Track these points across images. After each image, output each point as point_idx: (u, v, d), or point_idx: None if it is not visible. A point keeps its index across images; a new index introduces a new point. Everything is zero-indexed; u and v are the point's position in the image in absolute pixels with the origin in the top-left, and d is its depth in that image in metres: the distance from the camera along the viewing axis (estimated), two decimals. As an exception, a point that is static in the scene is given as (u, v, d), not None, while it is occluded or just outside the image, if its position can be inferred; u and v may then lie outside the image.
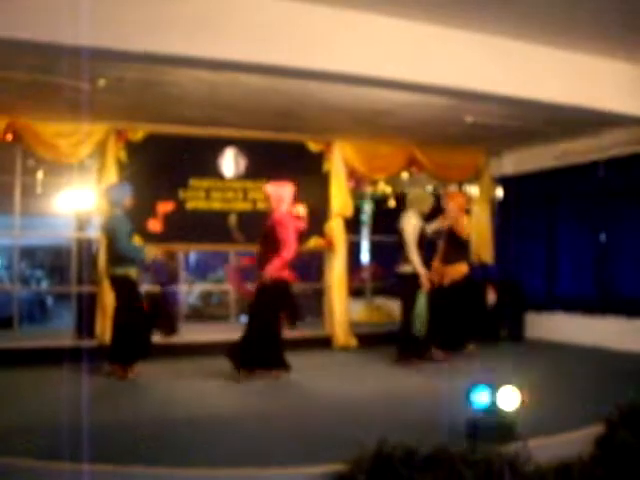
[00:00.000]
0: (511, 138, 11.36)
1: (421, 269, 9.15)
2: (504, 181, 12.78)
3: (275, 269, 7.96)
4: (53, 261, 19.67)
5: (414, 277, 9.13)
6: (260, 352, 8.11)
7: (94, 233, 10.46)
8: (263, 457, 4.94)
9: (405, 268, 9.23)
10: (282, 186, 8.44)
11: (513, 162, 12.66)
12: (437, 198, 10.72)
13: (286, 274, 8.15)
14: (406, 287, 9.29)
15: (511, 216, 12.45)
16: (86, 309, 10.34)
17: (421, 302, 9.21)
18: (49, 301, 16.92)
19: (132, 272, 8.20)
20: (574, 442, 5.28)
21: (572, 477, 4.47)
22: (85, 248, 10.81)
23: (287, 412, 6.63)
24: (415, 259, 9.12)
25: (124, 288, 8.23)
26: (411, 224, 9.27)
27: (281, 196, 8.30)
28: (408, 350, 9.24)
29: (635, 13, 5.86)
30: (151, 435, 5.69)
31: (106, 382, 8.02)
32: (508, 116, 9.44)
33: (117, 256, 8.19)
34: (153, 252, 8.83)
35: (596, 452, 5.12)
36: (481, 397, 5.23)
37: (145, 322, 8.47)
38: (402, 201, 12.58)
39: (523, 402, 5.26)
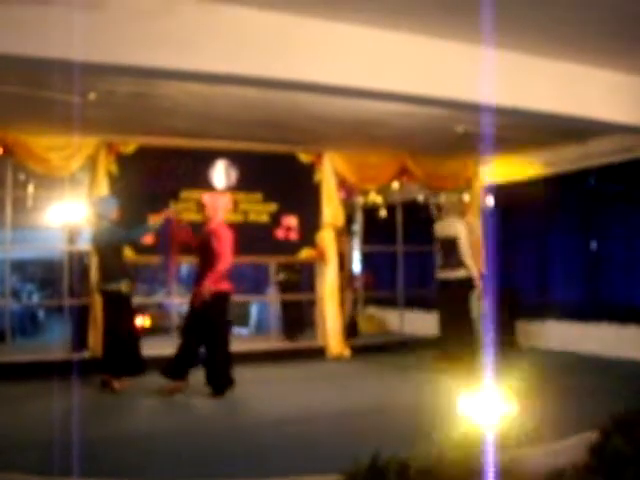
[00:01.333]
0: (502, 146, 11.38)
1: (477, 273, 9.42)
2: (495, 189, 12.81)
3: (212, 283, 7.83)
4: (44, 274, 19.63)
5: (468, 281, 9.32)
6: (207, 368, 8.00)
7: (85, 246, 10.43)
8: (259, 468, 4.94)
9: (457, 274, 9.38)
10: (218, 196, 8.48)
11: (503, 170, 12.70)
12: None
13: (224, 286, 8.00)
14: (459, 292, 9.43)
15: (502, 224, 12.49)
16: (79, 322, 10.34)
17: (477, 305, 9.40)
18: (40, 314, 16.87)
19: (124, 287, 8.20)
20: (568, 450, 5.29)
21: (566, 485, 4.48)
22: (76, 261, 10.79)
23: (280, 423, 6.62)
24: (471, 263, 9.34)
25: (116, 303, 8.22)
26: (463, 229, 9.49)
27: (217, 206, 8.22)
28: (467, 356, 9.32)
29: (621, 22, 5.90)
30: (142, 449, 5.69)
31: (98, 395, 8.00)
32: (499, 125, 9.46)
33: (108, 270, 8.20)
34: (156, 220, 8.71)
35: (590, 460, 5.13)
36: (473, 406, 5.23)
37: (136, 338, 8.44)
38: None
39: (516, 410, 5.27)
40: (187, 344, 8.07)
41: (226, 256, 7.90)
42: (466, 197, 12.65)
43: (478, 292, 9.51)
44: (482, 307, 9.63)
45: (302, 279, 12.39)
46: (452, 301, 9.57)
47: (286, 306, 12.67)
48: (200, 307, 7.91)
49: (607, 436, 5.17)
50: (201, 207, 8.40)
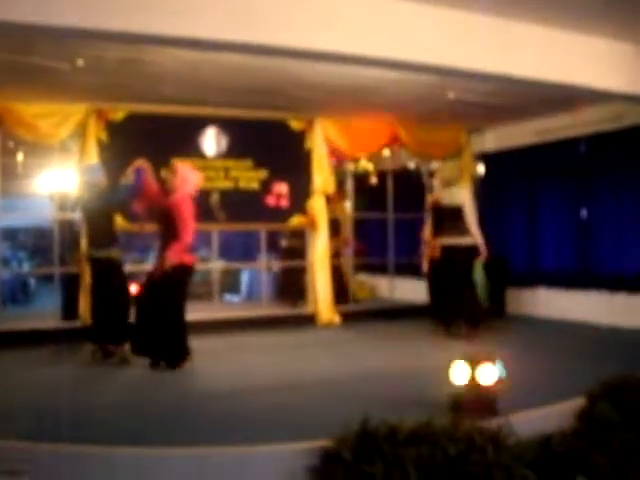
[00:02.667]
0: (492, 115, 11.37)
1: (482, 240, 9.56)
2: (486, 158, 12.81)
3: (175, 254, 7.61)
4: (35, 242, 19.57)
5: (474, 249, 9.48)
6: (160, 339, 7.69)
7: (76, 214, 10.39)
8: (249, 434, 4.97)
9: (464, 240, 9.47)
10: (192, 170, 8.18)
11: (494, 139, 12.69)
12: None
13: (187, 258, 7.76)
14: (465, 259, 9.52)
15: (493, 192, 12.50)
16: (69, 290, 10.34)
17: (480, 272, 9.61)
18: (32, 283, 16.85)
19: (114, 253, 8.16)
20: (555, 416, 5.34)
21: (553, 450, 4.53)
22: (67, 229, 10.77)
23: (270, 390, 6.65)
24: (477, 231, 9.51)
25: (106, 271, 8.18)
26: (469, 197, 9.58)
27: (187, 178, 7.95)
28: (478, 321, 9.45)
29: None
30: (134, 415, 5.73)
31: (89, 364, 7.99)
32: (489, 93, 9.45)
33: (98, 238, 8.14)
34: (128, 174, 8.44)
35: (577, 425, 5.19)
36: (463, 373, 5.28)
37: (126, 306, 8.37)
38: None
39: (505, 377, 5.32)
40: (141, 315, 7.85)
41: (189, 228, 7.66)
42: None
43: (482, 259, 9.57)
44: (484, 275, 9.68)
45: (306, 245, 12.37)
46: (457, 267, 9.61)
47: (287, 272, 12.79)
48: (160, 278, 7.69)
49: (594, 402, 5.22)
50: (172, 173, 7.99)
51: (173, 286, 7.71)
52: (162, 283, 7.68)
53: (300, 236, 12.19)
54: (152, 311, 7.71)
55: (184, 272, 7.77)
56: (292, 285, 12.51)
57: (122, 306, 8.20)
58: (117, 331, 8.13)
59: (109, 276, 8.16)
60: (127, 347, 7.96)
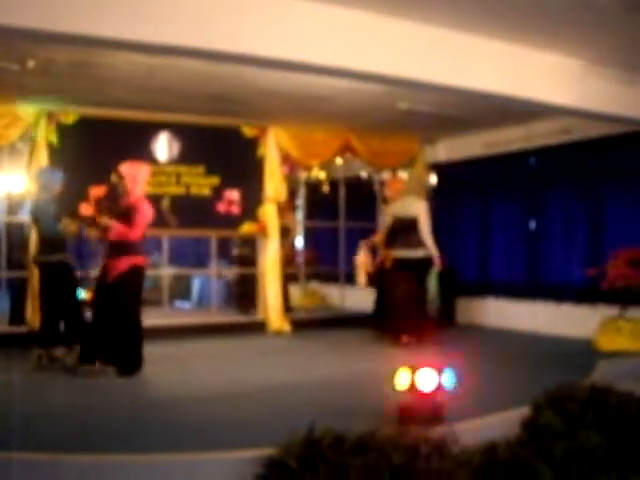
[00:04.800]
0: (444, 126, 11.48)
1: (436, 251, 9.61)
2: (437, 168, 12.93)
3: (127, 257, 7.52)
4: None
5: (426, 261, 9.51)
6: (115, 345, 7.56)
7: (25, 217, 10.24)
8: (197, 441, 4.95)
9: (417, 253, 9.49)
10: (137, 166, 8.00)
11: (446, 149, 12.82)
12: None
13: (139, 260, 7.66)
14: (418, 272, 9.57)
15: (444, 202, 12.61)
16: (17, 295, 10.19)
17: (434, 282, 9.66)
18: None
19: (62, 258, 8.06)
20: (500, 424, 5.40)
21: (498, 458, 4.57)
22: (16, 233, 10.59)
23: (218, 398, 6.63)
24: (431, 243, 9.54)
25: (54, 275, 8.07)
26: (424, 209, 9.58)
27: (135, 176, 7.79)
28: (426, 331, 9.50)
29: (561, 5, 5.97)
30: (80, 421, 5.67)
31: (36, 369, 7.88)
32: (442, 104, 9.54)
33: (46, 243, 8.04)
34: (71, 227, 8.17)
35: (522, 434, 5.24)
36: (406, 380, 5.31)
37: (76, 308, 8.29)
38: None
39: (455, 385, 5.36)
40: (96, 320, 7.70)
41: (138, 228, 7.55)
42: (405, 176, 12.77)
43: (436, 271, 9.62)
44: (437, 287, 9.73)
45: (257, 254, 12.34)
46: (410, 280, 9.64)
47: (240, 280, 12.82)
48: (113, 281, 7.57)
49: (539, 410, 5.28)
50: (119, 178, 7.84)
51: (128, 290, 7.62)
52: (116, 286, 7.56)
53: (251, 244, 12.19)
54: (107, 316, 7.57)
55: (136, 274, 7.66)
56: (244, 293, 12.49)
57: (73, 310, 8.12)
58: (67, 334, 8.04)
59: (59, 280, 8.07)
60: (74, 356, 7.86)
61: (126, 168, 7.88)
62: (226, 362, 8.61)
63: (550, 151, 10.95)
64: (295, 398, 6.51)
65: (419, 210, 9.70)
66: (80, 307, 8.30)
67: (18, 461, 4.44)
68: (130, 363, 7.57)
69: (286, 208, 12.45)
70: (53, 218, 8.04)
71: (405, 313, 9.59)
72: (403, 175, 12.47)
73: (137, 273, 7.66)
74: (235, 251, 12.91)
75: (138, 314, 7.72)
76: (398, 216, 9.85)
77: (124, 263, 7.54)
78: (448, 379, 5.35)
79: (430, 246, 9.59)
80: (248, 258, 12.27)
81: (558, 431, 5.04)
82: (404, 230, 9.70)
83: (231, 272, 13.47)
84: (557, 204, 11.15)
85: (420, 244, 9.57)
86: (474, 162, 12.28)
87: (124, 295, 7.60)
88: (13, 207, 10.93)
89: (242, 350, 9.62)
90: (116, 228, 7.55)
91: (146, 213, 7.67)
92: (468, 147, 12.31)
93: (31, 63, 7.71)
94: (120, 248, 7.58)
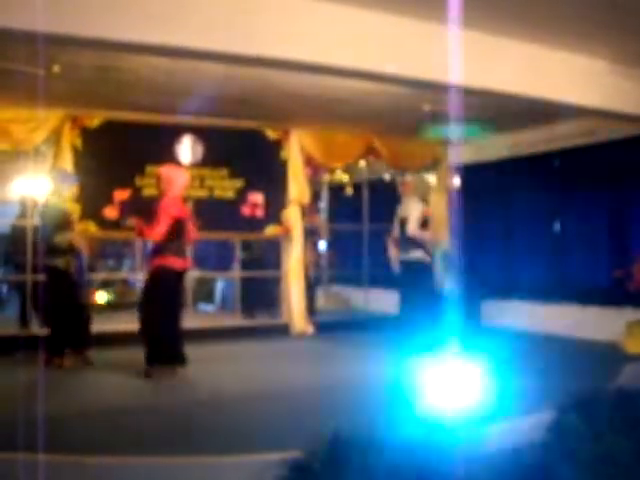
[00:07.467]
0: (468, 128, 11.42)
1: (429, 235, 9.43)
2: (461, 170, 12.86)
3: (155, 257, 7.57)
4: (8, 249, 19.32)
5: (422, 263, 9.38)
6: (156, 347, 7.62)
7: (35, 220, 10.19)
8: (219, 444, 4.95)
9: (415, 254, 9.42)
10: (176, 170, 8.08)
11: (470, 151, 12.75)
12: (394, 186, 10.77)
13: (170, 261, 7.55)
14: (418, 272, 9.48)
15: (468, 204, 12.55)
16: (25, 298, 10.19)
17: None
18: (3, 289, 16.65)
19: (64, 263, 8.08)
20: (527, 428, 5.35)
21: (522, 462, 4.53)
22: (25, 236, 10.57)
23: (242, 401, 6.63)
24: (416, 233, 9.35)
25: (58, 279, 8.09)
26: (416, 208, 9.51)
27: (172, 179, 7.73)
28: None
29: (589, 7, 5.93)
30: (104, 423, 5.68)
31: (42, 372, 7.86)
32: (465, 106, 9.49)
33: (51, 246, 8.03)
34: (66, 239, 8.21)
35: (547, 437, 5.20)
36: (434, 383, 5.27)
37: (80, 312, 8.30)
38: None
39: (479, 388, 5.32)
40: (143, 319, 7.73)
41: (158, 228, 7.43)
42: (431, 178, 12.71)
43: (443, 267, 9.55)
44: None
45: (264, 257, 12.31)
46: (413, 281, 9.57)
47: (245, 284, 12.70)
48: (144, 282, 7.85)
49: (564, 414, 5.24)
50: (157, 180, 7.90)
51: (149, 290, 7.70)
52: (144, 287, 7.81)
53: (256, 248, 12.18)
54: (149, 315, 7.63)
55: (161, 275, 7.59)
56: (248, 296, 12.48)
57: (74, 314, 8.16)
58: (73, 338, 8.12)
59: (60, 285, 8.07)
60: (70, 358, 8.03)
61: (165, 170, 7.92)
62: (249, 365, 8.60)
63: (575, 152, 10.87)
64: (319, 400, 6.51)
65: (411, 210, 9.58)
66: (83, 311, 8.32)
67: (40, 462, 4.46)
68: (148, 363, 7.59)
69: (312, 210, 12.43)
70: (54, 226, 8.03)
71: (409, 315, 9.52)
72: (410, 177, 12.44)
73: (161, 274, 7.60)
74: (241, 256, 12.83)
75: (158, 314, 7.60)
76: (400, 218, 9.80)
77: (152, 264, 7.64)
78: (471, 381, 5.31)
79: (417, 235, 9.23)
80: (254, 262, 12.26)
81: (584, 435, 4.99)
82: (403, 232, 9.63)
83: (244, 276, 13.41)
84: (582, 205, 11.06)
85: (416, 245, 9.44)
86: (499, 164, 12.22)
87: (145, 295, 7.75)
88: (27, 210, 10.94)
89: (265, 353, 9.63)
90: (138, 228, 7.61)
91: (166, 216, 7.51)
92: (492, 149, 12.25)
93: (56, 68, 7.77)
94: (154, 250, 7.67)
